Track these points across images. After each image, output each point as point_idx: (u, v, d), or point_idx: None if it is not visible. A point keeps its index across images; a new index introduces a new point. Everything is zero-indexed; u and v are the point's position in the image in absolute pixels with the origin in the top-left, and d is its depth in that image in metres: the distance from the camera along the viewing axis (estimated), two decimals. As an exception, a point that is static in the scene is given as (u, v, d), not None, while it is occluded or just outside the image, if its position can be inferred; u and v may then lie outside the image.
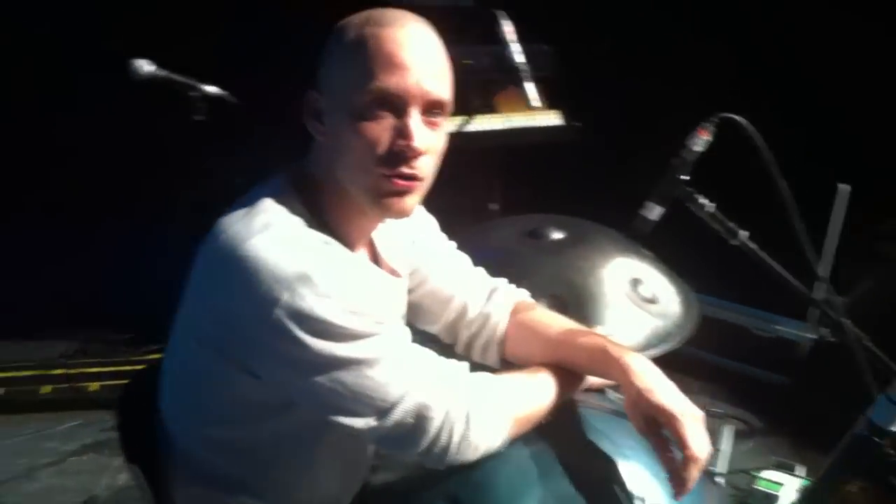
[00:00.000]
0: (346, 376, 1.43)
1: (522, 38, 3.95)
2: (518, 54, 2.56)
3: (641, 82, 4.39)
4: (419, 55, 1.48)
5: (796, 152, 2.35)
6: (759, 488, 2.71)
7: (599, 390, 1.82)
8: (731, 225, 1.85)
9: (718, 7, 4.28)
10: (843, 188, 3.43)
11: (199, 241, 1.51)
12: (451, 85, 1.54)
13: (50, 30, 4.81)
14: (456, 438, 1.49)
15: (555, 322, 1.78)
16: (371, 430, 1.46)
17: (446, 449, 1.50)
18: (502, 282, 1.90)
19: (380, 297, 1.51)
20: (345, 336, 1.42)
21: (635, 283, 2.28)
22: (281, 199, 1.51)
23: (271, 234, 1.44)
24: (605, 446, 1.68)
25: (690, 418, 1.52)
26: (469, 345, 1.86)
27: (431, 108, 1.50)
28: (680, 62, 4.32)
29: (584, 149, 3.98)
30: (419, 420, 1.47)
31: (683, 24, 4.38)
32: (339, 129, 1.50)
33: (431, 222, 1.89)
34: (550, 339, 1.73)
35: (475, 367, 1.75)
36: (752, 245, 1.85)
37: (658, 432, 1.55)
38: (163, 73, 3.15)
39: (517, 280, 2.17)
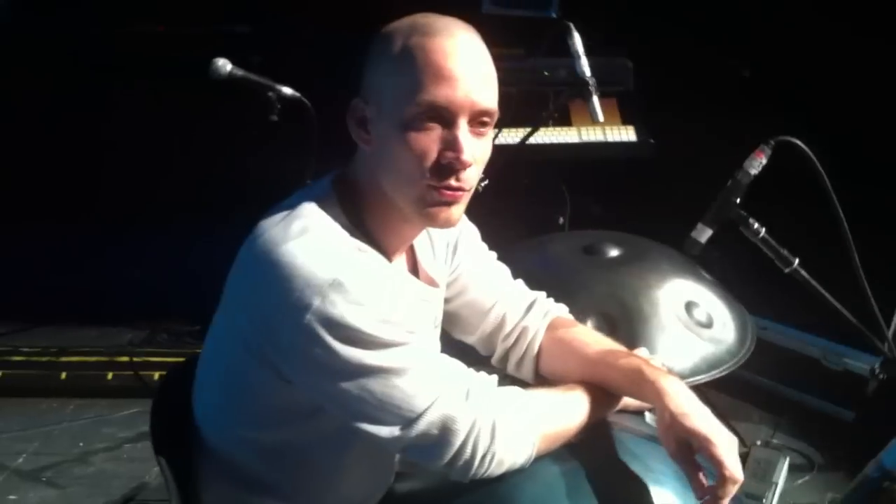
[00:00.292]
0: (374, 384, 1.42)
1: (605, 53, 3.94)
2: (586, 67, 2.52)
3: (723, 101, 4.32)
4: (467, 66, 1.46)
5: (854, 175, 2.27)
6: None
7: (637, 412, 1.78)
8: (784, 252, 1.80)
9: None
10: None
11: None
12: (497, 93, 1.52)
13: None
14: (481, 452, 1.47)
15: (592, 340, 1.75)
16: (396, 439, 1.45)
17: (471, 462, 1.47)
18: (541, 295, 1.88)
19: (411, 306, 1.50)
20: (374, 344, 1.41)
21: (690, 305, 2.24)
22: (321, 205, 1.51)
23: (307, 240, 1.44)
24: (638, 470, 1.64)
25: (725, 443, 1.48)
26: (505, 357, 1.84)
27: (479, 118, 1.49)
28: (763, 82, 4.24)
29: (659, 166, 3.93)
30: (444, 432, 1.45)
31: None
32: (386, 140, 1.49)
33: (473, 231, 1.87)
34: (586, 357, 1.70)
35: (510, 380, 1.74)
36: (805, 273, 1.79)
37: (690, 457, 1.52)
38: (241, 73, 3.18)
39: (568, 295, 2.14)
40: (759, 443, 3.26)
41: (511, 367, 1.83)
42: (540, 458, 1.56)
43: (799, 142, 1.72)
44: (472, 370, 1.54)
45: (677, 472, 1.56)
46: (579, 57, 2.53)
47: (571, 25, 2.53)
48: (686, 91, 4.30)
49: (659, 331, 2.16)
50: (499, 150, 3.17)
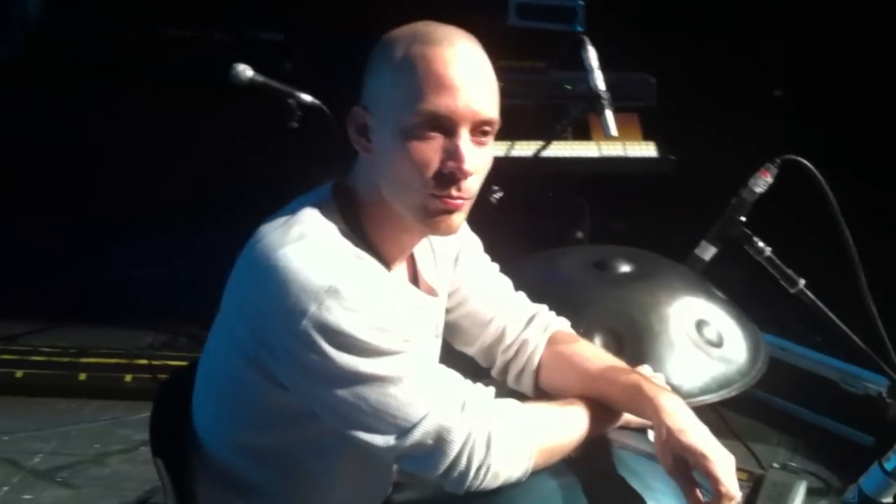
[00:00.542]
0: (369, 392, 1.43)
1: (628, 68, 3.93)
2: (600, 81, 2.52)
3: (750, 118, 4.30)
4: (469, 75, 1.46)
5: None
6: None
7: (639, 430, 1.77)
8: (790, 272, 1.79)
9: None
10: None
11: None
12: (498, 102, 1.52)
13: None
14: (476, 464, 1.47)
15: (592, 355, 1.74)
16: (390, 448, 1.45)
17: (465, 474, 1.47)
18: (542, 308, 1.87)
19: (409, 315, 1.51)
20: (369, 352, 1.41)
21: (700, 324, 2.22)
22: (320, 211, 1.52)
23: (304, 245, 1.45)
24: (637, 487, 1.63)
25: (721, 459, 1.48)
26: (505, 370, 1.84)
27: (480, 127, 1.49)
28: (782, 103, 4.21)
29: (683, 183, 3.91)
30: (439, 442, 1.45)
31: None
32: (387, 148, 1.49)
33: (475, 242, 1.87)
34: (586, 372, 1.70)
35: (510, 393, 1.73)
36: (811, 295, 1.77)
37: (687, 473, 1.51)
38: (261, 79, 3.20)
39: (576, 310, 2.13)
40: (776, 465, 3.23)
41: (511, 380, 1.82)
42: (537, 473, 1.55)
43: (805, 161, 1.71)
44: (468, 381, 1.53)
45: (677, 491, 1.55)
46: (593, 70, 2.52)
47: (586, 39, 2.53)
48: (711, 108, 4.29)
49: (668, 348, 2.13)
50: (517, 163, 3.20)
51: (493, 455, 1.47)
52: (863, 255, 1.80)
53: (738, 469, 2.15)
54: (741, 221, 1.83)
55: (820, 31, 4.23)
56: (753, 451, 3.24)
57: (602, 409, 1.65)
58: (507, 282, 1.88)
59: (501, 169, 2.94)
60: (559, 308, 1.96)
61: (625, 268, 2.34)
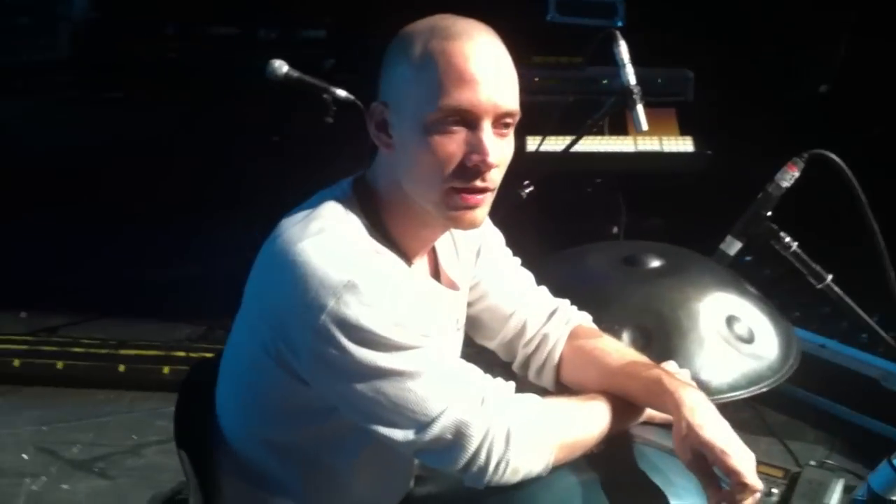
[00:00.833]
0: (388, 387, 1.43)
1: (667, 63, 3.90)
2: (631, 76, 2.50)
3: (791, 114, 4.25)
4: (489, 68, 1.46)
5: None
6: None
7: (662, 425, 1.75)
8: (817, 267, 1.76)
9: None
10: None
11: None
12: (518, 94, 1.52)
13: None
14: (494, 459, 1.46)
15: (613, 350, 1.73)
16: (409, 442, 1.45)
17: (485, 469, 1.47)
18: (564, 303, 1.86)
19: (429, 309, 1.51)
20: (388, 346, 1.42)
21: (731, 320, 2.19)
22: (341, 206, 1.52)
23: (323, 240, 1.45)
24: (659, 483, 1.61)
25: (740, 454, 1.47)
26: (526, 364, 1.83)
27: (502, 119, 1.49)
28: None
29: (722, 179, 3.88)
30: (458, 437, 1.45)
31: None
32: (409, 144, 1.49)
33: (497, 236, 1.86)
34: (607, 367, 1.69)
35: (532, 388, 1.72)
36: (838, 290, 1.75)
37: (706, 468, 1.50)
38: (296, 74, 3.22)
39: (604, 306, 2.12)
40: (812, 463, 3.19)
41: (532, 375, 1.82)
42: (557, 468, 1.54)
43: (833, 155, 1.68)
44: (488, 376, 1.53)
45: (699, 487, 1.54)
46: (625, 65, 2.50)
47: (617, 33, 2.51)
48: (751, 103, 4.24)
49: (697, 345, 2.11)
50: (551, 158, 3.19)
51: (512, 450, 1.47)
52: (891, 250, 1.77)
53: (774, 467, 2.14)
54: (767, 216, 1.80)
55: (863, 27, 4.17)
56: (790, 448, 3.20)
57: (624, 405, 1.64)
58: (528, 276, 1.87)
59: (535, 163, 2.95)
60: (588, 303, 1.95)
61: (655, 263, 2.32)
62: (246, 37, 5.44)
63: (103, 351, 3.83)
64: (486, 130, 1.46)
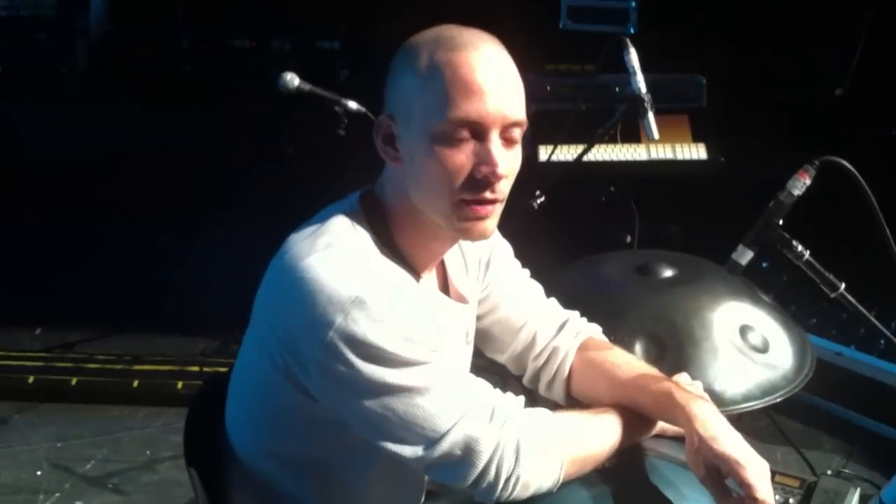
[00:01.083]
0: (397, 403, 1.42)
1: (680, 69, 3.88)
2: (642, 83, 2.49)
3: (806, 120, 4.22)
4: (496, 78, 1.45)
5: None
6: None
7: (675, 438, 1.73)
8: (830, 276, 1.74)
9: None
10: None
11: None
12: (525, 103, 1.50)
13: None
14: (505, 474, 1.45)
15: (624, 362, 1.71)
16: (418, 458, 1.44)
17: (495, 484, 1.46)
18: (574, 314, 1.84)
19: (438, 324, 1.50)
20: (397, 362, 1.41)
21: (745, 329, 2.18)
22: (349, 220, 1.51)
23: (331, 255, 1.44)
24: (671, 496, 1.60)
25: (754, 466, 1.45)
26: (536, 378, 1.81)
27: (510, 129, 1.47)
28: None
29: (738, 187, 3.85)
30: (467, 452, 1.44)
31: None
32: (417, 156, 1.47)
33: (506, 248, 1.85)
34: (617, 379, 1.67)
35: (542, 401, 1.71)
36: (851, 298, 1.73)
37: (720, 482, 1.48)
38: (308, 87, 3.22)
39: (617, 316, 2.11)
40: (829, 472, 3.16)
41: (542, 388, 1.80)
42: (569, 482, 1.53)
43: (844, 161, 1.66)
44: (497, 390, 1.52)
45: (712, 501, 1.52)
46: (635, 73, 2.49)
47: (627, 41, 2.50)
48: (765, 108, 4.22)
49: (710, 355, 2.10)
50: (563, 167, 3.18)
51: (522, 465, 1.46)
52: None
53: (790, 476, 2.11)
54: (779, 224, 1.78)
55: (878, 29, 4.14)
56: (806, 457, 3.17)
57: (636, 418, 1.62)
58: (538, 287, 1.86)
59: (547, 173, 2.94)
60: (601, 313, 1.94)
61: (668, 273, 2.31)
62: (260, 47, 5.45)
63: (117, 367, 3.83)
64: (495, 141, 1.45)
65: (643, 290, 2.25)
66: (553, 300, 1.86)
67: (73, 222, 5.08)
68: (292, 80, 3.16)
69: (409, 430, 1.43)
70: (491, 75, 1.44)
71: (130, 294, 4.40)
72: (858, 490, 2.20)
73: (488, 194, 1.47)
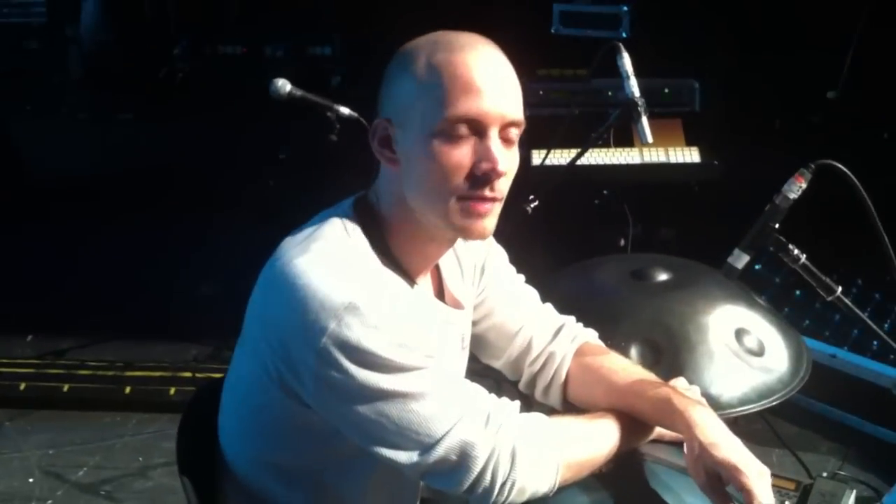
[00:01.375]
0: (391, 409, 1.41)
1: (673, 73, 3.89)
2: (635, 88, 2.48)
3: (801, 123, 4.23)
4: (494, 78, 1.46)
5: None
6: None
7: (673, 443, 1.72)
8: (826, 279, 1.73)
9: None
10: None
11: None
12: (522, 105, 1.51)
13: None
14: (500, 479, 1.44)
15: (621, 368, 1.70)
16: (413, 464, 1.43)
17: (490, 489, 1.45)
18: (570, 320, 1.84)
19: (433, 329, 1.49)
20: (391, 368, 1.40)
21: (740, 333, 2.17)
22: (343, 226, 1.51)
23: (324, 261, 1.43)
24: (670, 502, 1.60)
25: (755, 472, 1.45)
26: (532, 383, 1.80)
27: (508, 129, 1.48)
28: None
29: (730, 189, 3.86)
30: (463, 458, 1.43)
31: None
32: (415, 156, 1.47)
33: (501, 254, 1.84)
34: (614, 385, 1.66)
35: (539, 407, 1.70)
36: (848, 302, 1.72)
37: (720, 488, 1.48)
38: (299, 93, 3.22)
39: (612, 321, 2.10)
40: (824, 474, 3.15)
41: (538, 394, 1.79)
42: (567, 487, 1.53)
43: (840, 165, 1.66)
44: (493, 395, 1.51)
45: (711, 507, 1.51)
46: (628, 77, 2.49)
47: (621, 45, 2.50)
48: (758, 111, 4.22)
49: (706, 359, 2.09)
50: (557, 171, 3.17)
51: (517, 470, 1.45)
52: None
53: (786, 479, 2.10)
54: (775, 228, 1.77)
55: (871, 33, 4.15)
56: (802, 460, 3.16)
57: (633, 423, 1.62)
58: (533, 293, 1.85)
59: (541, 177, 2.94)
60: (597, 318, 1.93)
61: (662, 277, 2.30)
62: (252, 54, 5.45)
63: (109, 373, 3.81)
64: (494, 139, 1.46)
65: (638, 295, 2.24)
66: (549, 305, 1.85)
67: (64, 228, 5.08)
68: (284, 86, 3.16)
69: (403, 436, 1.42)
70: (489, 75, 1.45)
71: (122, 300, 4.39)
72: (854, 492, 2.19)
73: (488, 192, 1.46)
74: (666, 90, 3.81)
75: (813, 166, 1.75)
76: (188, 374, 3.78)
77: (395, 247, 1.54)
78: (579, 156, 2.66)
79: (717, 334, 2.14)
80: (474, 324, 1.78)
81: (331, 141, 3.30)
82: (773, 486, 1.87)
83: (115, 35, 5.80)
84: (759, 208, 1.91)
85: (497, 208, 1.51)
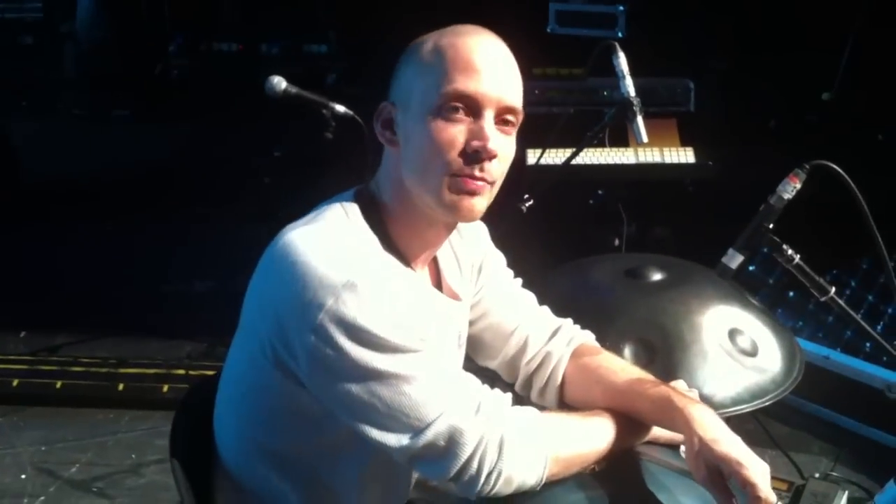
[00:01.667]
0: (384, 390, 1.42)
1: (668, 73, 3.89)
2: (630, 87, 2.49)
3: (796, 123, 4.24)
4: (495, 62, 1.50)
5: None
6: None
7: (669, 445, 1.72)
8: (820, 280, 1.73)
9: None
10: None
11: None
12: (522, 96, 1.54)
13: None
14: (487, 468, 1.45)
15: (619, 368, 1.70)
16: (402, 448, 1.44)
17: (476, 478, 1.45)
18: (566, 322, 1.84)
19: (427, 315, 1.50)
20: (385, 348, 1.41)
21: (734, 333, 2.17)
22: (344, 210, 1.54)
23: (324, 241, 1.46)
24: (666, 502, 1.59)
25: (757, 467, 1.44)
26: (528, 384, 1.80)
27: (504, 115, 1.50)
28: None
29: (726, 189, 3.86)
30: (451, 444, 1.43)
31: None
32: (413, 134, 1.50)
33: (499, 257, 1.85)
34: (614, 385, 1.66)
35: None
36: (842, 303, 1.72)
37: (722, 484, 1.48)
38: (294, 90, 3.21)
39: (606, 320, 2.10)
40: (817, 475, 3.16)
41: (534, 395, 1.79)
42: (564, 484, 1.53)
43: (834, 165, 1.66)
44: (486, 386, 1.52)
45: (709, 507, 1.51)
46: (624, 77, 2.49)
47: (616, 45, 2.50)
48: (756, 113, 4.23)
49: (700, 358, 2.09)
50: (552, 170, 3.17)
51: (505, 460, 1.45)
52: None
53: (778, 479, 2.11)
54: (769, 229, 1.78)
55: (867, 34, 4.16)
56: (794, 460, 3.17)
57: (629, 422, 1.62)
58: (530, 295, 1.86)
59: (536, 176, 2.94)
60: (591, 317, 1.94)
61: (657, 276, 2.30)
62: (248, 52, 5.45)
63: (102, 370, 3.80)
64: (489, 119, 1.48)
65: (632, 294, 2.24)
66: (545, 308, 1.86)
67: (58, 225, 5.06)
68: (279, 83, 3.15)
69: (394, 419, 1.43)
70: (490, 58, 1.49)
71: (116, 297, 4.38)
72: (846, 493, 2.20)
73: (478, 171, 1.48)
74: (661, 90, 3.81)
75: (807, 166, 1.75)
76: (182, 372, 3.77)
77: (395, 232, 1.56)
78: (574, 155, 2.67)
79: (710, 334, 2.14)
80: (471, 324, 1.78)
81: (326, 138, 3.29)
82: (769, 485, 1.88)
83: (110, 32, 5.80)
84: (753, 208, 1.92)
85: (488, 191, 1.52)
